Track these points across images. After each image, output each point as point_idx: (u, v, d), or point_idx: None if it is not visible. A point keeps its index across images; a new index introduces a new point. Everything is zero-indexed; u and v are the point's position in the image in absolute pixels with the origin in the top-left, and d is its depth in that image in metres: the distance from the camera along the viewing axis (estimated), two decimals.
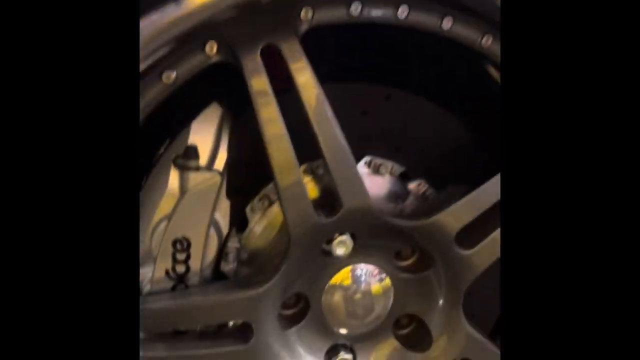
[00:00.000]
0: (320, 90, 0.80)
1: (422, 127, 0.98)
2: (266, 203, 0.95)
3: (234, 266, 0.96)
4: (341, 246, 0.90)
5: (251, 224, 0.95)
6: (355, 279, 0.95)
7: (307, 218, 0.84)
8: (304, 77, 0.79)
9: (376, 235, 0.90)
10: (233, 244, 0.96)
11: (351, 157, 0.83)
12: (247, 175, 0.94)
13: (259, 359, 0.89)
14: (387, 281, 0.96)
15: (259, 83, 0.78)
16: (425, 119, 0.98)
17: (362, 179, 0.85)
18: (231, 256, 0.96)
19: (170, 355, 0.86)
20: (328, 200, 0.88)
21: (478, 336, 0.97)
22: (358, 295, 0.96)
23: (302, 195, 0.83)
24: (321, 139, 0.81)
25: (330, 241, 0.89)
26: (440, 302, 0.96)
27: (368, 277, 0.95)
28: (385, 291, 0.96)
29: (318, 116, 0.80)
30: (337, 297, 0.95)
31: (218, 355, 0.87)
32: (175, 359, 0.86)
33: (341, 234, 0.89)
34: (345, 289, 0.94)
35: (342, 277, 0.94)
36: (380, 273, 0.95)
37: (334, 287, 0.94)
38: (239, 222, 0.96)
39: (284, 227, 0.90)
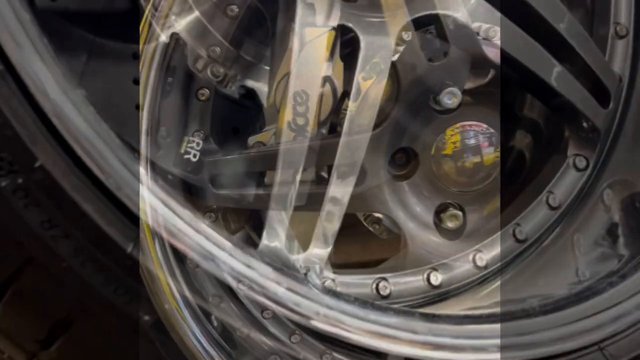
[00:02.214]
0: None
1: None
2: (378, 69, 1.02)
3: None
4: (449, 96, 0.94)
5: (363, 91, 1.03)
6: (465, 137, 0.98)
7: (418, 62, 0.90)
8: None
9: None
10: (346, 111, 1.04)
11: None
12: None
13: (369, 203, 0.96)
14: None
15: None
16: None
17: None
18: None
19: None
20: None
21: None
22: (467, 154, 0.99)
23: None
24: None
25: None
26: None
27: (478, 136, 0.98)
28: (495, 150, 0.98)
29: None
30: (446, 155, 0.99)
31: None
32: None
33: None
34: (453, 145, 0.98)
35: (451, 133, 0.98)
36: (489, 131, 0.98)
37: (443, 143, 0.98)
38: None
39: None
